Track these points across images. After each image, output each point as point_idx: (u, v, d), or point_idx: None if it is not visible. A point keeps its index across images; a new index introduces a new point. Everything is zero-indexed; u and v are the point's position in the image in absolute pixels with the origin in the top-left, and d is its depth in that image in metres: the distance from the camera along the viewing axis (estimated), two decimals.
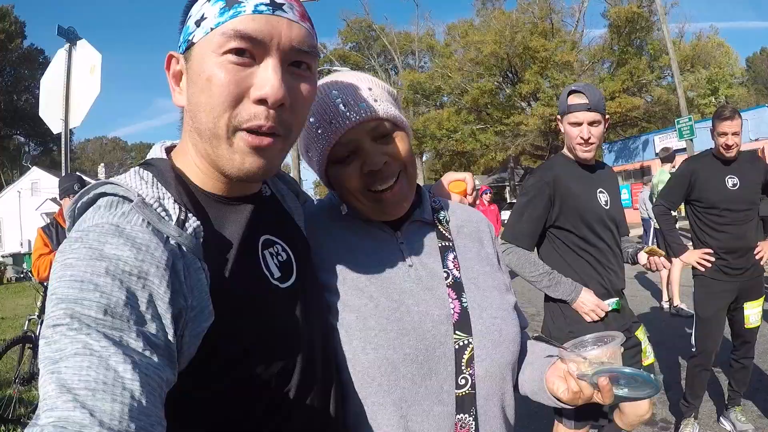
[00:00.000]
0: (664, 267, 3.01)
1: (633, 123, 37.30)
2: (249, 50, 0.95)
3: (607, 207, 3.08)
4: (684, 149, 19.56)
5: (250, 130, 0.97)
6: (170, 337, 0.83)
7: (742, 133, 4.17)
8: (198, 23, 0.97)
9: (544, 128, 35.66)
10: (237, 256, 1.03)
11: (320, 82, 1.28)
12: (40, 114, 5.99)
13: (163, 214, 0.91)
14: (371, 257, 1.33)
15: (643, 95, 36.01)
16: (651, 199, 11.22)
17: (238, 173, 1.00)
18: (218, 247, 1.00)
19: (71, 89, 5.71)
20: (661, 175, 9.39)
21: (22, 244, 32.73)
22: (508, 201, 30.72)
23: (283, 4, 0.99)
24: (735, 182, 4.13)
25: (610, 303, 3.05)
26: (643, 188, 13.74)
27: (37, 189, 35.49)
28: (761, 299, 4.29)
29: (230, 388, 0.97)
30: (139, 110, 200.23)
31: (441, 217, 1.44)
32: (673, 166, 9.24)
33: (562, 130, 3.17)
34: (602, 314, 2.99)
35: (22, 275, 15.31)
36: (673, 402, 4.89)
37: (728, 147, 4.08)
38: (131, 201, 0.91)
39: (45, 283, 5.69)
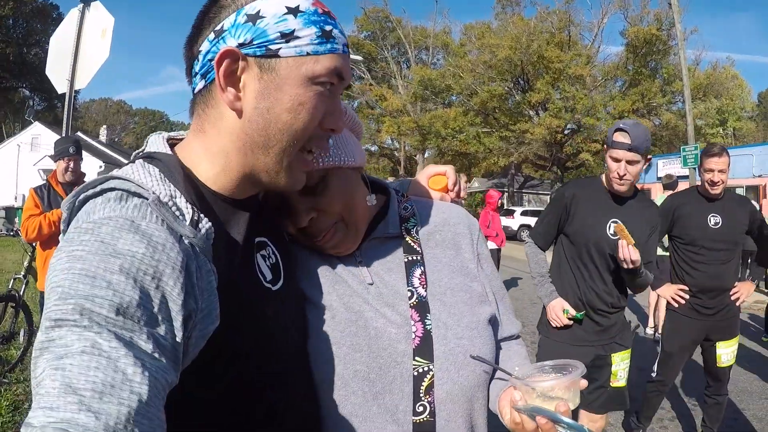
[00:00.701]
0: (625, 258, 3.09)
1: None
2: (333, 84, 1.02)
3: (615, 237, 3.24)
4: (687, 177, 19.50)
5: (309, 152, 1.06)
6: (178, 339, 0.82)
7: (729, 171, 4.16)
8: (286, 37, 0.97)
9: (550, 139, 35.66)
10: (239, 256, 1.04)
11: None
12: (47, 72, 5.97)
13: (177, 213, 0.91)
14: (330, 277, 1.29)
15: (651, 118, 35.99)
16: None
17: (286, 186, 1.06)
18: (225, 248, 1.01)
19: (80, 51, 5.69)
20: (661, 200, 9.23)
21: (16, 198, 32.78)
22: (505, 207, 30.64)
23: (348, 44, 1.06)
24: (717, 221, 4.15)
25: (575, 313, 3.44)
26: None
27: (38, 144, 35.44)
28: (735, 339, 4.31)
29: (228, 390, 0.98)
30: (147, 76, 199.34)
31: (410, 227, 1.37)
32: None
33: (607, 162, 3.39)
34: (561, 324, 3.45)
35: (12, 232, 15.24)
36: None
37: (713, 183, 4.10)
38: (141, 197, 0.89)
39: (33, 244, 5.63)
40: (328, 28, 1.00)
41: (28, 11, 54.01)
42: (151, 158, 1.02)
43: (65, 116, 5.98)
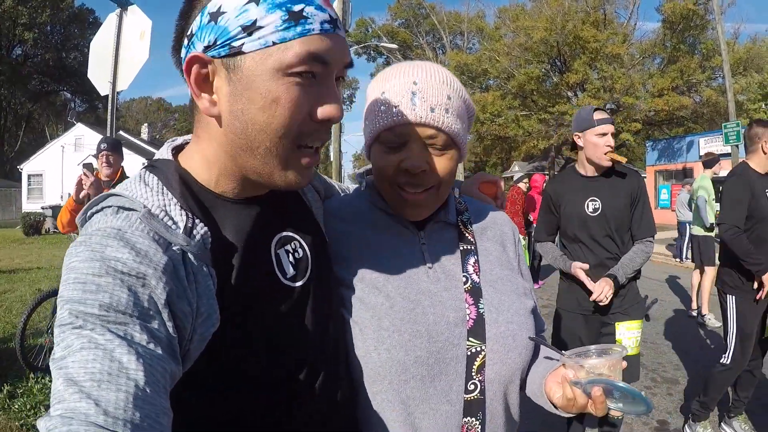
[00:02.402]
0: (598, 299, 3.55)
1: (679, 122, 36.34)
2: (315, 71, 0.94)
3: (595, 213, 3.74)
4: (729, 154, 19.25)
5: (307, 147, 0.99)
6: (171, 333, 0.84)
7: None
8: (248, 30, 0.90)
9: None
10: (245, 257, 1.02)
11: (408, 63, 1.30)
12: (89, 76, 6.09)
13: (169, 223, 0.92)
14: (391, 255, 1.33)
15: (691, 95, 34.96)
16: (690, 203, 11.12)
17: (287, 186, 1.02)
18: (225, 249, 1.00)
19: (120, 54, 5.80)
20: (702, 180, 9.22)
21: (62, 198, 33.18)
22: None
23: (337, 20, 0.97)
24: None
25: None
26: (681, 190, 13.48)
27: (81, 145, 35.60)
28: None
29: (236, 386, 0.98)
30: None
31: (465, 219, 1.44)
32: (715, 173, 9.14)
33: (580, 145, 3.80)
34: (585, 268, 3.67)
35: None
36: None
37: None
38: (134, 210, 0.91)
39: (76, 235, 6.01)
40: (297, 7, 0.90)
41: (65, 17, 54.93)
42: (153, 167, 1.03)
43: (109, 118, 6.17)
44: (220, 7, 0.91)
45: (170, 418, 0.78)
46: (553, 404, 1.26)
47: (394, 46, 37.67)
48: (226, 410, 0.97)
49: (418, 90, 1.21)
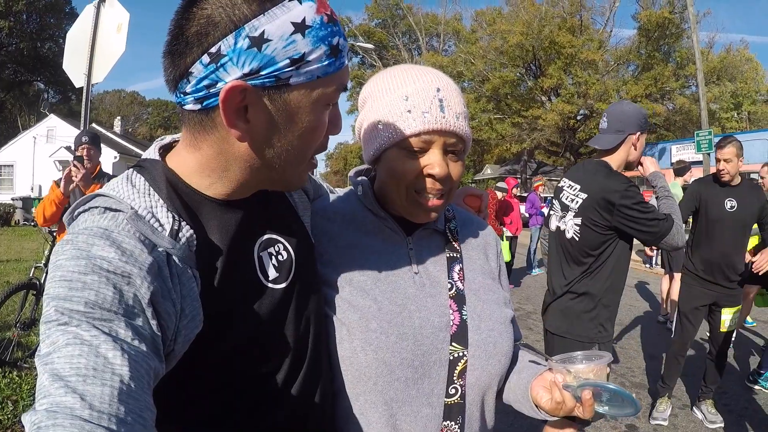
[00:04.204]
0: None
1: (652, 129, 36.76)
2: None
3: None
4: (701, 162, 19.35)
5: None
6: (156, 331, 0.86)
7: (737, 159, 4.78)
8: (296, 64, 0.91)
9: (562, 125, 35.36)
10: (228, 260, 1.03)
11: (419, 68, 1.32)
12: (64, 67, 6.09)
13: (156, 225, 0.93)
14: (379, 259, 1.34)
15: (665, 102, 35.62)
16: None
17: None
18: (210, 252, 1.01)
19: (96, 46, 5.79)
20: (673, 188, 8.95)
21: (33, 189, 33.07)
22: (518, 194, 30.60)
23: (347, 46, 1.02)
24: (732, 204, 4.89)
25: None
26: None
27: (53, 136, 35.41)
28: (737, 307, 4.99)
29: (217, 386, 1.01)
30: (159, 66, 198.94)
31: (452, 227, 1.47)
32: (686, 181, 9.06)
33: (634, 147, 3.32)
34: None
35: (31, 222, 15.59)
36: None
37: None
38: (120, 211, 0.92)
39: (53, 233, 5.80)
40: (335, 41, 0.94)
41: (41, 6, 54.01)
42: (140, 167, 1.04)
43: (83, 110, 6.14)
44: (263, 34, 0.88)
45: (153, 414, 0.79)
46: (539, 408, 1.29)
47: (371, 46, 37.71)
48: (208, 409, 1.01)
49: (443, 98, 1.24)
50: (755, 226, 4.97)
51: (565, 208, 3.42)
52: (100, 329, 0.77)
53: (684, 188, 8.95)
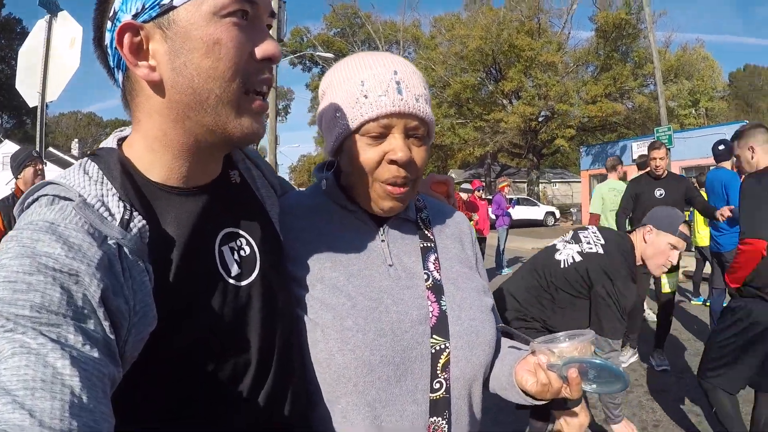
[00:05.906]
0: None
1: (612, 128, 37.73)
2: (247, 12, 0.95)
3: None
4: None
5: (256, 93, 0.99)
6: (108, 333, 0.80)
7: (667, 157, 6.40)
8: None
9: (524, 127, 35.70)
10: (185, 253, 0.98)
11: (376, 53, 1.28)
12: (17, 86, 5.87)
13: (105, 214, 0.89)
14: (351, 253, 1.29)
15: (624, 101, 36.23)
16: None
17: (244, 137, 1.00)
18: (164, 245, 0.96)
19: (50, 62, 5.62)
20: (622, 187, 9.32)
21: None
22: (482, 196, 30.76)
23: None
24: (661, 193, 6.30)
25: None
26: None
27: (8, 163, 34.76)
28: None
29: (178, 388, 0.95)
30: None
31: (424, 217, 1.43)
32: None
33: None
34: None
35: None
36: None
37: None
38: (70, 200, 0.88)
39: None
40: None
41: None
42: (96, 156, 1.00)
43: (38, 130, 5.93)
44: None
45: (112, 424, 0.75)
46: (525, 393, 1.27)
47: (330, 55, 37.44)
48: (169, 412, 0.95)
49: (401, 80, 1.20)
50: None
51: (577, 241, 3.41)
52: (48, 336, 0.72)
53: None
